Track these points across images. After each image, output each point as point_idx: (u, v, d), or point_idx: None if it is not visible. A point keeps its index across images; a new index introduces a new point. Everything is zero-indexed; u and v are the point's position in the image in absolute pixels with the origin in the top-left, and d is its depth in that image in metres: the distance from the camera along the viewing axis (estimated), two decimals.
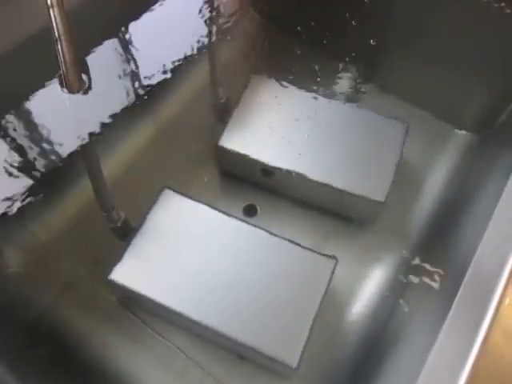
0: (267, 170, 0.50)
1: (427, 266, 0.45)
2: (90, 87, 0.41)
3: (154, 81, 0.58)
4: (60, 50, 0.33)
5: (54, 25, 0.33)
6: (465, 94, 0.55)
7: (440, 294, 0.40)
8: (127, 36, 0.58)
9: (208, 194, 0.53)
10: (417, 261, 0.48)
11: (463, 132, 0.58)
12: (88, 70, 0.44)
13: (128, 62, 0.58)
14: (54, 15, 0.33)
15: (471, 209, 0.45)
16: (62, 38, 0.33)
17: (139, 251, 0.44)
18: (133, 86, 0.57)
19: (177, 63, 0.58)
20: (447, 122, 0.58)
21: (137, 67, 0.58)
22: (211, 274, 0.43)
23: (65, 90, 0.38)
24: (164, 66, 0.59)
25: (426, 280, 0.44)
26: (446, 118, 0.57)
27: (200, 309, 0.42)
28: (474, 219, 0.43)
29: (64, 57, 0.33)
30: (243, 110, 0.52)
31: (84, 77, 0.40)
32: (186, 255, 0.44)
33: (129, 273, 0.43)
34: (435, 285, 0.42)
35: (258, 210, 0.52)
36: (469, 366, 0.30)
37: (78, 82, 0.34)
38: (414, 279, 0.46)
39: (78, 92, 0.35)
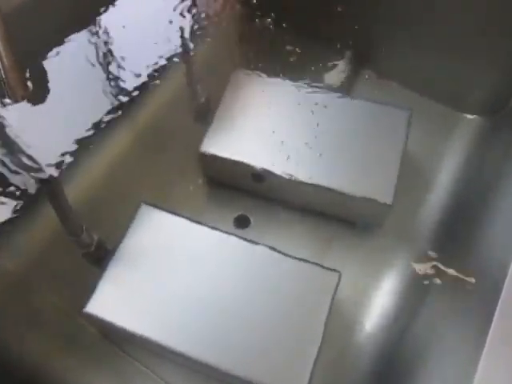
0: (258, 175, 0.45)
1: (449, 272, 0.41)
2: (43, 93, 0.36)
3: (132, 84, 0.53)
4: None
5: None
6: (471, 75, 0.50)
7: (470, 304, 0.36)
8: (99, 34, 0.53)
9: (193, 206, 0.48)
10: (434, 266, 0.43)
11: (472, 116, 0.53)
12: (46, 75, 0.39)
13: (101, 64, 0.53)
14: None
15: (493, 202, 0.41)
16: None
17: (116, 278, 0.39)
18: (108, 91, 0.53)
19: (157, 64, 0.54)
20: (453, 106, 0.53)
21: (112, 69, 0.53)
22: (200, 299, 0.38)
23: (7, 99, 0.33)
24: (140, 67, 0.55)
25: (450, 288, 0.39)
26: (452, 102, 0.52)
27: (190, 341, 0.37)
28: (499, 214, 0.38)
29: (1, 60, 0.28)
30: (226, 109, 0.47)
31: (29, 83, 0.35)
32: (171, 279, 0.39)
33: (106, 304, 0.38)
34: (461, 293, 0.37)
35: (251, 220, 0.48)
36: None
37: (21, 89, 0.30)
38: (433, 287, 0.42)
39: (22, 100, 0.31)
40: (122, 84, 0.54)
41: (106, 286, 0.39)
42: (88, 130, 0.49)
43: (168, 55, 0.55)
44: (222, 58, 0.55)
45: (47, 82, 0.43)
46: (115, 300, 0.38)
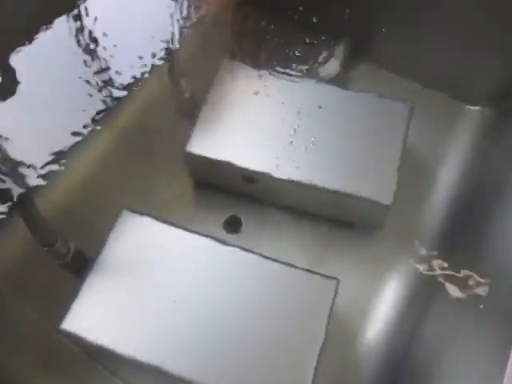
0: (249, 176, 0.42)
1: (457, 275, 0.38)
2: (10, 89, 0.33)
3: (117, 81, 0.50)
4: None
5: None
6: (475, 63, 0.47)
7: (484, 309, 0.33)
8: (79, 26, 0.51)
9: (181, 210, 0.45)
10: (440, 269, 0.41)
11: (477, 108, 0.50)
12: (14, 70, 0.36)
13: (83, 58, 0.51)
14: None
15: (502, 199, 0.39)
16: None
17: (96, 291, 0.36)
18: (91, 89, 0.50)
19: (143, 59, 0.51)
20: (457, 97, 0.50)
21: (95, 65, 0.51)
22: (189, 312, 0.36)
23: None
24: (125, 63, 0.52)
25: (460, 293, 0.36)
26: (455, 92, 0.50)
27: (177, 359, 0.34)
28: (509, 212, 0.36)
29: None
30: (213, 106, 0.44)
31: None
32: (156, 292, 0.36)
33: (84, 320, 0.35)
34: (472, 298, 0.35)
35: (243, 224, 0.45)
36: None
37: None
38: (440, 292, 0.39)
39: None
40: (105, 81, 0.51)
41: (84, 300, 0.36)
42: (70, 134, 0.46)
43: (154, 50, 0.52)
44: (209, 50, 0.52)
45: (14, 77, 0.40)
46: (94, 315, 0.35)
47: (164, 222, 0.39)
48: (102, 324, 0.35)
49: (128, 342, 0.34)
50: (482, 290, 0.34)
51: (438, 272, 0.41)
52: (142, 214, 0.39)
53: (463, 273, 0.38)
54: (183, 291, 0.36)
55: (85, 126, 0.47)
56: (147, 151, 0.48)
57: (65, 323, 0.35)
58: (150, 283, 0.36)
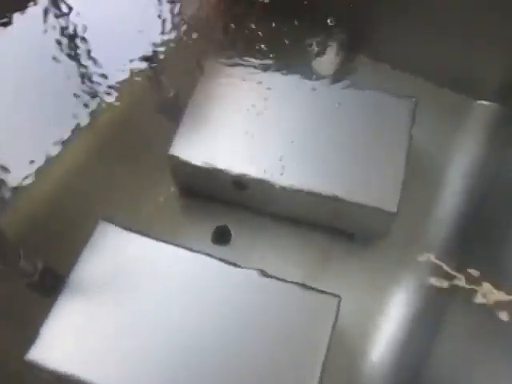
0: (239, 183, 0.39)
1: (469, 288, 0.35)
2: None
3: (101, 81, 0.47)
4: None
5: None
6: (484, 53, 0.45)
7: (502, 327, 0.31)
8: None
9: (165, 220, 0.42)
10: (450, 283, 0.38)
11: (488, 103, 0.47)
12: None
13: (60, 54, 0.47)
14: None
15: None
16: None
17: (67, 315, 0.33)
18: (70, 90, 0.47)
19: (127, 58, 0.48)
20: (465, 92, 0.47)
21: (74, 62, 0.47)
22: (173, 337, 0.32)
23: None
24: (109, 61, 0.49)
25: (473, 309, 0.34)
26: (463, 87, 0.47)
27: None
28: None
29: None
30: (198, 106, 0.41)
31: None
32: (136, 314, 0.33)
33: (54, 348, 0.32)
34: (487, 314, 0.32)
35: (232, 235, 0.42)
36: None
37: None
38: (451, 308, 0.36)
39: None
40: (85, 82, 0.47)
41: (54, 325, 0.32)
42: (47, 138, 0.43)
43: (137, 50, 0.49)
44: (195, 49, 0.49)
45: None
46: (65, 343, 0.32)
47: (145, 234, 0.36)
48: (74, 352, 0.31)
49: (105, 373, 0.31)
50: (501, 305, 0.31)
51: (449, 285, 0.38)
52: (120, 225, 0.36)
53: (478, 285, 0.35)
54: (166, 312, 0.33)
55: (62, 125, 0.44)
56: (127, 156, 0.44)
57: (31, 353, 0.31)
58: (129, 304, 0.33)
